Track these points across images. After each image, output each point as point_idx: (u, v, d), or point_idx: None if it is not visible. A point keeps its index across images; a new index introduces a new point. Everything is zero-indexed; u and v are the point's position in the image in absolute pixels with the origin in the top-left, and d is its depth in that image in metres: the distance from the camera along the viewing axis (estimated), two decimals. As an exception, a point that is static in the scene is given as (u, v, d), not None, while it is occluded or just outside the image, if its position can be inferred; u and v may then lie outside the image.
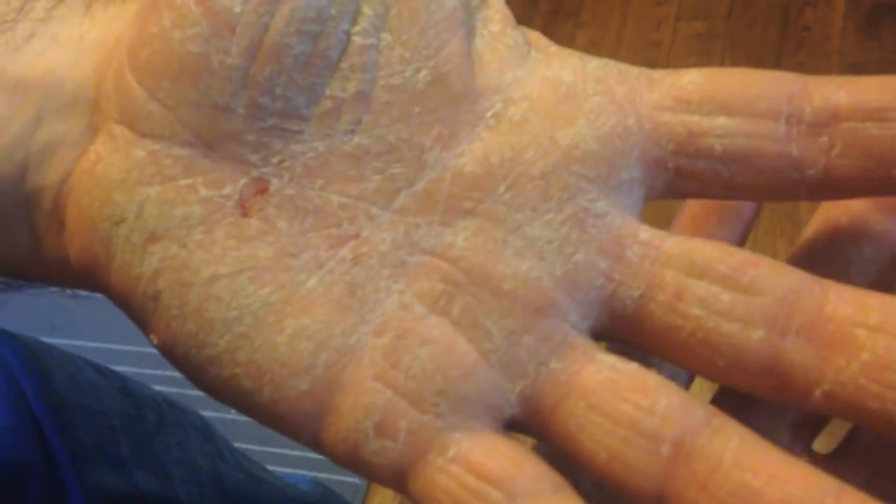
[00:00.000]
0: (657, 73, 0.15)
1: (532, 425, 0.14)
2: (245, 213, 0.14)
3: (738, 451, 0.13)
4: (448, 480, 0.14)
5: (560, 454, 0.14)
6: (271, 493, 0.45)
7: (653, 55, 1.25)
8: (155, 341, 0.15)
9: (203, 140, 0.14)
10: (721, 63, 1.17)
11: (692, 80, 0.14)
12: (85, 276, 0.16)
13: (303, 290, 0.14)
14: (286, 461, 1.05)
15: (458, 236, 0.14)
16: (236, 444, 0.47)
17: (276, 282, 0.14)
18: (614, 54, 1.18)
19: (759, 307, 0.13)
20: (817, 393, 0.13)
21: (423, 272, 0.14)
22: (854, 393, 0.13)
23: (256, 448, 1.02)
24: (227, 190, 0.14)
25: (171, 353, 0.15)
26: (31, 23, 0.15)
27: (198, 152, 0.14)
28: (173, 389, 0.44)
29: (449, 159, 0.14)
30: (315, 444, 0.15)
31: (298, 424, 0.15)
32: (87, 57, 0.15)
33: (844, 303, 0.13)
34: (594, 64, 0.15)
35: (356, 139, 0.14)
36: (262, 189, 0.14)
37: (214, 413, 0.47)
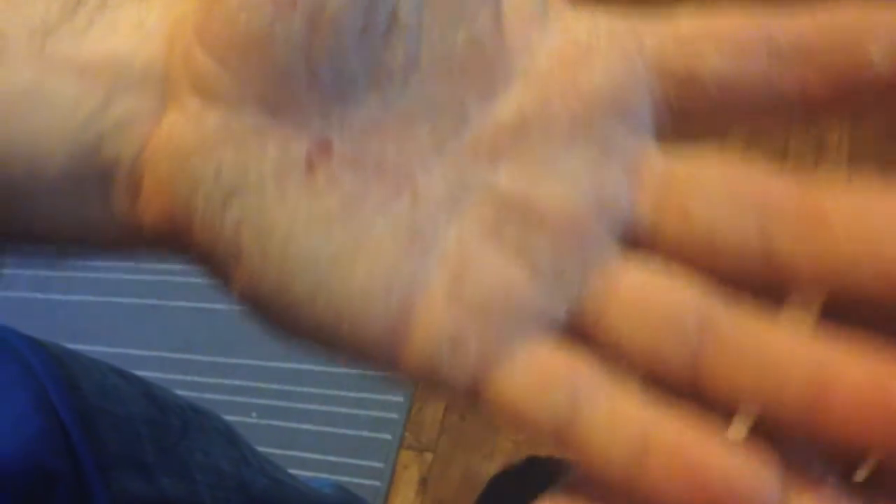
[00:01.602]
0: (659, 21, 0.17)
1: (580, 337, 0.17)
2: (312, 171, 0.16)
3: (760, 329, 0.15)
4: (516, 387, 0.16)
5: None
6: (296, 498, 0.46)
7: None
8: (236, 290, 0.17)
9: (270, 106, 0.16)
10: None
11: (687, 22, 0.17)
12: (162, 240, 0.18)
13: (370, 235, 0.16)
14: (307, 465, 1.05)
15: (501, 175, 0.17)
16: (258, 449, 0.47)
17: (346, 229, 0.16)
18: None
19: (754, 218, 0.16)
20: (808, 275, 0.15)
21: (475, 208, 0.17)
22: (846, 271, 0.15)
23: (278, 452, 1.03)
24: (295, 150, 0.16)
25: (253, 302, 0.17)
26: (88, 12, 0.16)
27: (266, 118, 0.16)
28: (195, 394, 0.44)
29: (488, 111, 0.17)
30: (394, 368, 0.17)
31: (377, 354, 0.17)
32: (151, 39, 0.16)
33: (833, 199, 0.15)
34: (604, 21, 0.17)
35: (406, 99, 0.16)
36: (325, 148, 0.16)
37: (235, 418, 0.47)
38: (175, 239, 0.17)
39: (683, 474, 0.15)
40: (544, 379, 0.16)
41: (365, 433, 1.05)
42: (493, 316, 0.16)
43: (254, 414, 1.15)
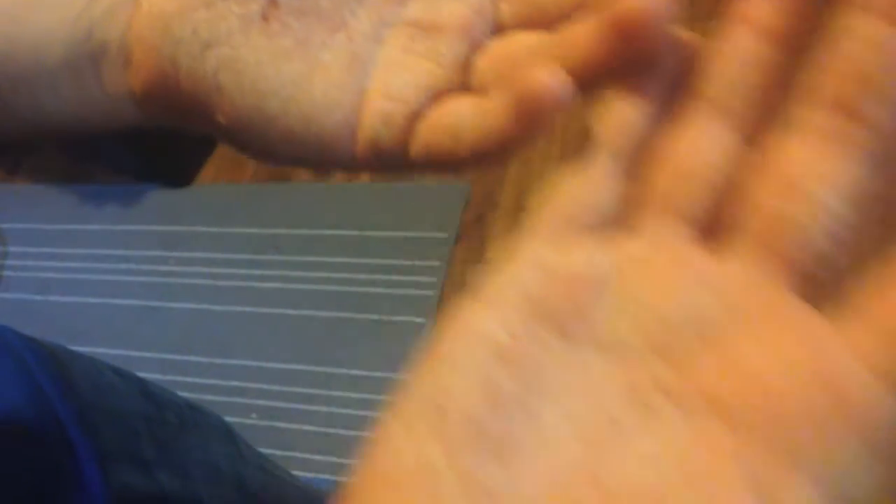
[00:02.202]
0: None
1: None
2: (267, 20, 0.21)
3: None
4: (426, 129, 0.21)
5: None
6: (293, 494, 0.46)
7: None
8: (223, 121, 0.22)
9: None
10: None
11: None
12: (152, 101, 0.23)
13: (320, 62, 0.21)
14: (309, 466, 1.06)
15: (410, 9, 0.22)
16: (259, 450, 0.47)
17: (301, 60, 0.21)
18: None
19: None
20: None
21: (394, 35, 0.22)
22: None
23: (279, 453, 1.03)
24: (252, 6, 0.21)
25: (237, 126, 0.22)
26: None
27: None
28: (195, 395, 0.44)
29: None
30: (353, 161, 0.22)
31: (339, 148, 0.21)
32: None
33: None
34: None
35: None
36: (274, 4, 0.22)
37: (236, 419, 0.47)
38: (164, 95, 0.22)
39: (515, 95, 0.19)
40: (440, 114, 0.21)
41: (367, 435, 1.05)
42: (412, 97, 0.21)
43: (254, 415, 1.15)
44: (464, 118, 0.20)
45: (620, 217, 0.18)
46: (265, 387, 1.18)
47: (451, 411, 0.15)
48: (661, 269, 0.16)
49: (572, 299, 0.16)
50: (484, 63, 0.21)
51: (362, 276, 1.22)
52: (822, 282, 0.15)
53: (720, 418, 0.14)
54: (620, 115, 0.18)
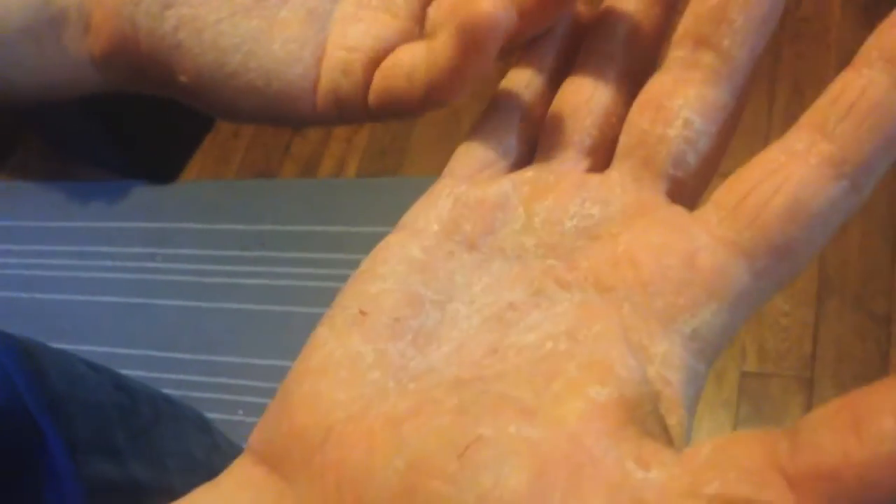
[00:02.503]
0: None
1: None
2: None
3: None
4: (382, 76, 0.22)
5: None
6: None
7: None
8: (185, 80, 0.22)
9: None
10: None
11: None
12: (113, 61, 0.23)
13: (278, 18, 0.22)
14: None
15: None
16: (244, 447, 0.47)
17: (260, 17, 0.22)
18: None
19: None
20: None
21: None
22: None
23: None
24: None
25: (199, 84, 0.22)
26: None
27: None
28: (181, 392, 0.44)
29: None
30: (315, 115, 0.22)
31: (300, 101, 0.22)
32: None
33: None
34: None
35: None
36: None
37: (222, 416, 0.47)
38: (124, 58, 0.23)
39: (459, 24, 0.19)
40: (395, 60, 0.22)
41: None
42: (370, 46, 0.22)
43: (240, 412, 1.15)
44: (417, 59, 0.21)
45: (524, 157, 0.21)
46: (251, 383, 1.18)
47: (373, 312, 0.17)
48: (557, 189, 0.19)
49: (481, 220, 0.19)
50: (437, 13, 0.23)
51: (349, 273, 1.21)
52: (684, 184, 0.19)
53: (601, 296, 0.17)
54: (517, 74, 0.22)
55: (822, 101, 0.17)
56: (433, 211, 0.19)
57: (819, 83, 1.00)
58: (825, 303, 1.02)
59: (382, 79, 0.21)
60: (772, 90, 1.18)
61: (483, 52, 0.19)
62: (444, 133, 1.28)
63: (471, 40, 0.19)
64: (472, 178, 0.20)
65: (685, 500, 0.13)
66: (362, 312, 0.18)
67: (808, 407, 0.95)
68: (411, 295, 0.18)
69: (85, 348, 1.22)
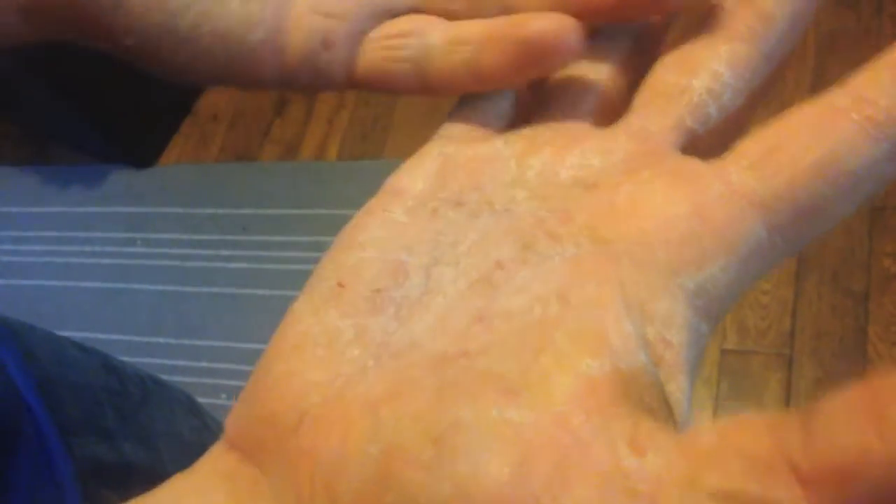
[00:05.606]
0: None
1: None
2: None
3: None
4: (377, 51, 0.20)
5: None
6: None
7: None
8: (131, 42, 0.20)
9: None
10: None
11: None
12: (39, 9, 0.20)
13: None
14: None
15: None
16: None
17: None
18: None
19: None
20: None
21: None
22: None
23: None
24: None
25: (146, 47, 0.20)
26: None
27: None
28: (164, 377, 0.44)
29: None
30: (280, 78, 0.20)
31: (264, 66, 0.20)
32: None
33: None
34: None
35: None
36: None
37: (205, 400, 0.48)
38: (55, 10, 0.20)
39: (508, 36, 0.18)
40: (398, 37, 0.20)
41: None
42: (352, 14, 0.20)
43: (223, 396, 1.15)
44: (432, 48, 0.19)
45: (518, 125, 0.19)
46: (234, 367, 1.18)
47: (352, 284, 0.16)
48: (554, 142, 0.18)
49: (469, 176, 0.18)
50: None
51: (330, 255, 1.21)
52: (701, 140, 0.17)
53: (598, 251, 0.15)
54: None
55: (875, 63, 0.15)
56: (419, 170, 0.18)
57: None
58: (804, 281, 1.04)
59: (381, 60, 0.20)
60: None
61: (535, 70, 0.18)
62: (429, 111, 1.28)
63: (529, 60, 0.18)
64: (463, 137, 0.19)
65: (683, 494, 0.12)
66: (340, 285, 0.16)
67: (788, 383, 0.97)
68: (392, 263, 0.16)
69: (66, 334, 1.21)
